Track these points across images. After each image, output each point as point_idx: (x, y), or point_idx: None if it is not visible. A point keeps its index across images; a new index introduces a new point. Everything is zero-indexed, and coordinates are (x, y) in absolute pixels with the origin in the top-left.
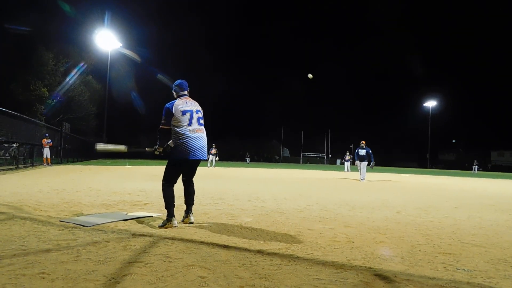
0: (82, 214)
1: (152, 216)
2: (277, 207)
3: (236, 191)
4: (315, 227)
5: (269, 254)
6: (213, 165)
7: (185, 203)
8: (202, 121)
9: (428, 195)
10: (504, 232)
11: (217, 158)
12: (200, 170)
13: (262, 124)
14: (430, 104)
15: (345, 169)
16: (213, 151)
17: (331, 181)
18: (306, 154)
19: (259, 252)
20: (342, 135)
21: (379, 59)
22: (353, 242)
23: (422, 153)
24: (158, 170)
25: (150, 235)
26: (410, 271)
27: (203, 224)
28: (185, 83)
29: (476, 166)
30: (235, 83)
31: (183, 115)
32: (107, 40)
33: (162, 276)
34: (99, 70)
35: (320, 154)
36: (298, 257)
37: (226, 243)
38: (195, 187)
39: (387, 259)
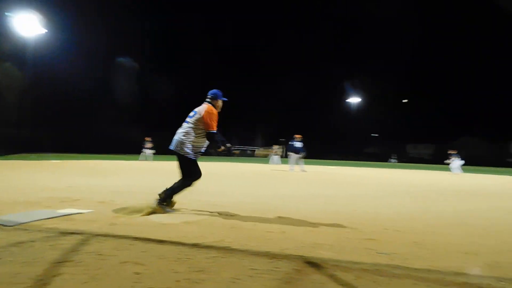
0: (2, 213)
1: (82, 213)
2: (213, 200)
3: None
4: (249, 219)
5: (205, 247)
6: (149, 159)
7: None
8: (187, 119)
9: (353, 186)
10: (418, 217)
11: (154, 151)
12: (137, 164)
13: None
14: (354, 100)
15: (275, 162)
16: (149, 145)
17: (265, 174)
18: (238, 147)
19: (195, 245)
20: (273, 128)
21: (303, 54)
22: (285, 232)
23: (347, 146)
24: (91, 164)
25: (81, 233)
26: (338, 257)
27: (138, 220)
28: (211, 91)
29: (394, 159)
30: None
31: None
32: (28, 25)
33: (95, 274)
34: (19, 57)
35: (252, 148)
36: (233, 249)
37: (161, 238)
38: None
39: (317, 247)
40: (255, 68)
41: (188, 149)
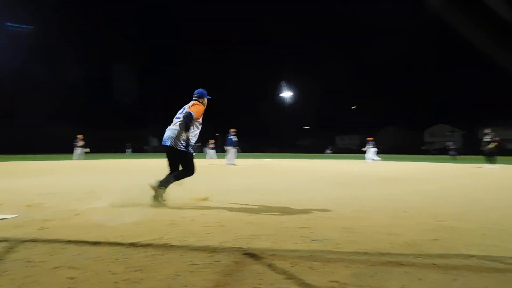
0: None
1: (6, 218)
2: (149, 197)
3: (108, 183)
4: (187, 215)
5: (143, 246)
6: (81, 158)
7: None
8: (178, 115)
9: (289, 177)
10: (347, 204)
11: (87, 150)
12: (68, 163)
13: (130, 114)
14: (286, 94)
15: (211, 156)
16: (80, 143)
17: (205, 169)
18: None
19: (132, 245)
20: (208, 123)
21: (239, 50)
22: (224, 225)
23: (281, 138)
24: (15, 166)
25: (6, 240)
26: (275, 246)
27: (71, 223)
28: (197, 90)
29: (329, 149)
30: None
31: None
32: None
33: (24, 283)
34: None
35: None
36: (172, 245)
37: (96, 240)
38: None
39: (255, 238)
40: (193, 62)
41: (181, 143)
